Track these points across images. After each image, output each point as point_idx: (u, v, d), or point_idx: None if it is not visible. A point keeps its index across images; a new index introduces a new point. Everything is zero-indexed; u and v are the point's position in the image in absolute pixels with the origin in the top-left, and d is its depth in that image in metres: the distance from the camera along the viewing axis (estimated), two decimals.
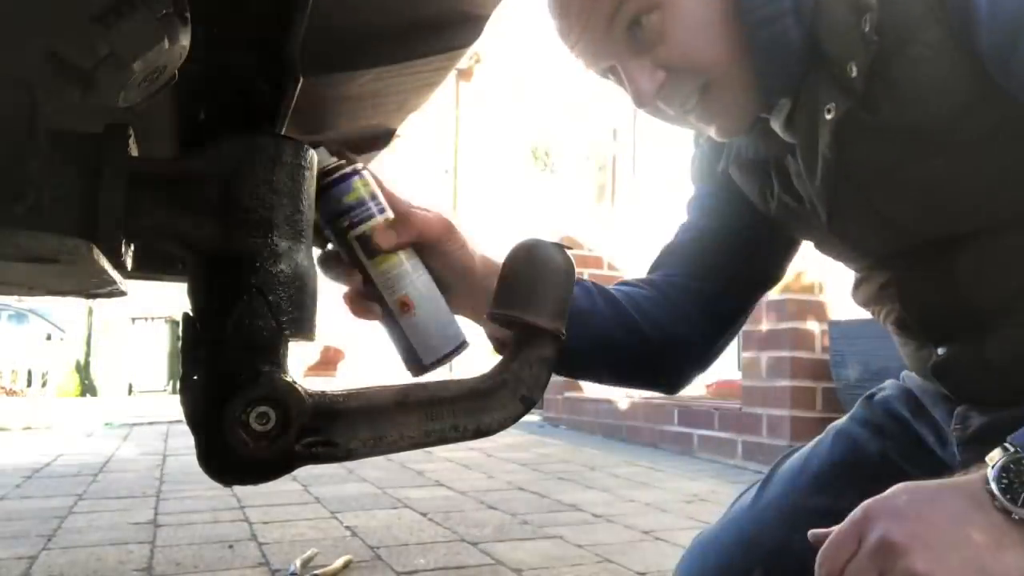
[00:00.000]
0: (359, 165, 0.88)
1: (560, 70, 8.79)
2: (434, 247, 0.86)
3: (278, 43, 0.80)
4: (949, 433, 0.86)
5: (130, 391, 11.50)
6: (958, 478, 0.61)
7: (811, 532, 0.64)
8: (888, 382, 1.00)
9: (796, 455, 0.99)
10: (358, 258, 0.86)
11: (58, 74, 0.65)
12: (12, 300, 11.98)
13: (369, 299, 0.84)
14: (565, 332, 0.87)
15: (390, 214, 0.86)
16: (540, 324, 0.84)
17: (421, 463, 3.55)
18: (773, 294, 3.68)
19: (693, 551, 0.96)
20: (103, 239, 0.70)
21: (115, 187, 0.71)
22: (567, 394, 5.58)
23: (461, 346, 0.91)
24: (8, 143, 0.68)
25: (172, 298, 10.51)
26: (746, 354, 3.89)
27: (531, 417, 5.58)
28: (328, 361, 12.97)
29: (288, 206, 0.78)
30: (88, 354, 11.60)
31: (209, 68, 0.83)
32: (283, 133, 0.91)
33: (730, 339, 1.01)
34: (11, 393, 11.07)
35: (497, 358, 0.89)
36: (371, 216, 0.86)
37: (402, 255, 0.86)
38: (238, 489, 2.66)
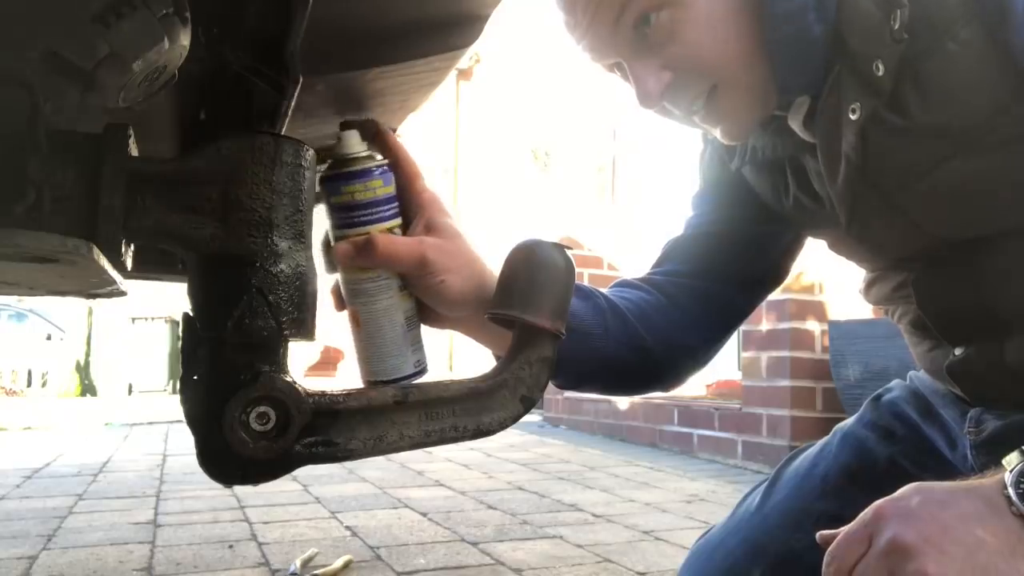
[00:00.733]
0: (382, 162, 0.85)
1: (560, 70, 8.79)
2: (407, 278, 0.81)
3: (278, 43, 0.80)
4: (961, 435, 0.85)
5: (130, 391, 11.50)
6: (973, 481, 0.60)
7: (820, 533, 0.63)
8: (894, 382, 0.99)
9: (802, 458, 0.98)
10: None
11: (58, 74, 0.65)
12: (12, 300, 11.98)
13: None
14: (565, 332, 0.87)
15: (381, 227, 0.82)
16: (540, 324, 0.84)
17: (421, 463, 3.55)
18: (773, 294, 3.67)
19: (698, 554, 0.95)
20: (103, 239, 0.70)
21: (115, 187, 0.71)
22: (567, 394, 5.58)
23: (399, 379, 0.86)
24: (8, 143, 0.68)
25: (172, 298, 10.51)
26: (746, 354, 3.89)
27: (531, 417, 5.58)
28: (328, 361, 12.97)
29: (288, 206, 0.78)
30: (88, 354, 11.60)
31: (209, 68, 0.83)
32: (283, 133, 0.91)
33: (729, 337, 1.01)
34: (11, 393, 11.07)
35: (497, 358, 0.89)
36: (357, 224, 0.83)
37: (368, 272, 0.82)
38: (238, 489, 2.66)
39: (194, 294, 0.78)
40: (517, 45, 9.88)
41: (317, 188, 0.80)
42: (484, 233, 9.66)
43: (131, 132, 0.74)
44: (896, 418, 0.94)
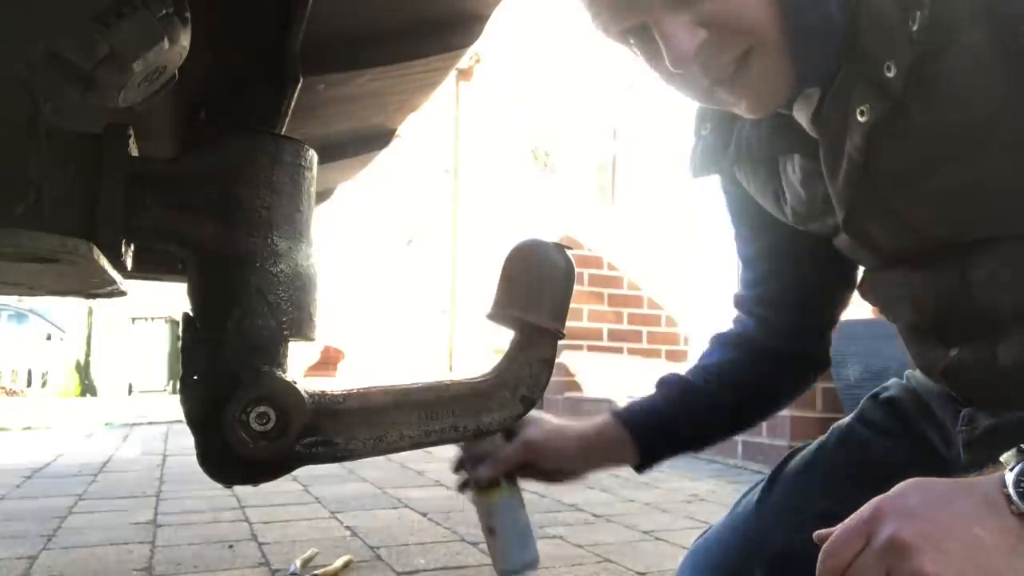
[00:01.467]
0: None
1: (560, 70, 8.79)
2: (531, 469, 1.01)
3: (278, 43, 0.80)
4: (955, 434, 0.85)
5: (130, 391, 11.49)
6: (972, 479, 0.60)
7: (816, 533, 0.62)
8: (892, 381, 0.99)
9: (800, 456, 0.98)
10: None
11: (58, 74, 0.65)
12: (12, 300, 11.97)
13: None
14: (564, 333, 0.87)
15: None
16: (541, 324, 0.84)
17: (421, 463, 3.55)
18: None
19: (697, 552, 0.95)
20: (103, 239, 0.70)
21: (115, 187, 0.71)
22: (567, 394, 5.58)
23: (530, 565, 1.09)
24: (8, 143, 0.68)
25: (172, 298, 10.50)
26: None
27: None
28: (328, 361, 12.98)
29: (288, 206, 0.78)
30: (88, 354, 11.60)
31: (209, 68, 0.83)
32: (283, 133, 0.91)
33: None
34: (11, 393, 11.08)
35: (497, 358, 0.89)
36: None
37: (495, 494, 1.06)
38: (238, 489, 2.66)
39: (194, 294, 0.78)
40: (517, 45, 9.87)
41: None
42: (484, 233, 9.64)
43: (131, 132, 0.74)
44: (893, 416, 0.94)
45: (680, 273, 5.92)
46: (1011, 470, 0.57)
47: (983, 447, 0.81)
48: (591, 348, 5.65)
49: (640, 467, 1.04)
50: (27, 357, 11.80)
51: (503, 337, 0.87)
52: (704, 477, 3.40)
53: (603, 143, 8.09)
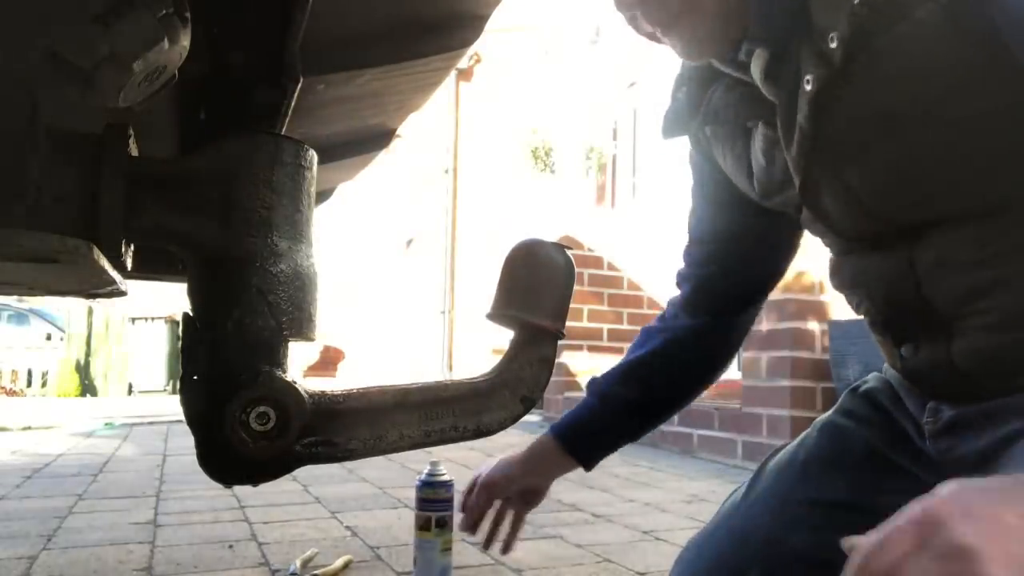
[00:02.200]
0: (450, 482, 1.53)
1: (560, 70, 8.79)
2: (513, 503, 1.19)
3: (278, 43, 0.80)
4: (923, 425, 0.87)
5: (130, 391, 11.49)
6: (1021, 475, 0.57)
7: (844, 540, 0.60)
8: (871, 375, 1.01)
9: (784, 451, 1.00)
10: None
11: (58, 74, 0.65)
12: (12, 300, 11.97)
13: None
14: (564, 333, 0.88)
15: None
16: (542, 324, 0.85)
17: (421, 463, 3.55)
18: (773, 294, 3.67)
19: (688, 551, 0.96)
20: (103, 239, 0.70)
21: (115, 187, 0.71)
22: (567, 394, 5.58)
23: None
24: (8, 143, 0.68)
25: (172, 298, 10.51)
26: (746, 354, 3.89)
27: (531, 417, 5.58)
28: (328, 361, 12.98)
29: (288, 206, 0.78)
30: (88, 354, 11.60)
31: (209, 68, 0.83)
32: (283, 133, 0.91)
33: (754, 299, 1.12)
34: (11, 393, 11.07)
35: (497, 358, 0.89)
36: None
37: (425, 535, 1.54)
38: (238, 489, 2.66)
39: (194, 294, 0.78)
40: (517, 45, 9.87)
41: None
42: (484, 233, 9.62)
43: (131, 132, 0.74)
44: (871, 406, 0.96)
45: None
46: None
47: (946, 438, 0.82)
48: (591, 348, 5.65)
49: (586, 468, 1.17)
50: (27, 357, 11.79)
51: (503, 337, 0.87)
52: (704, 477, 3.40)
53: (603, 143, 8.09)
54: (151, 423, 5.99)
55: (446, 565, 1.63)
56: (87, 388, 11.37)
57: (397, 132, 1.76)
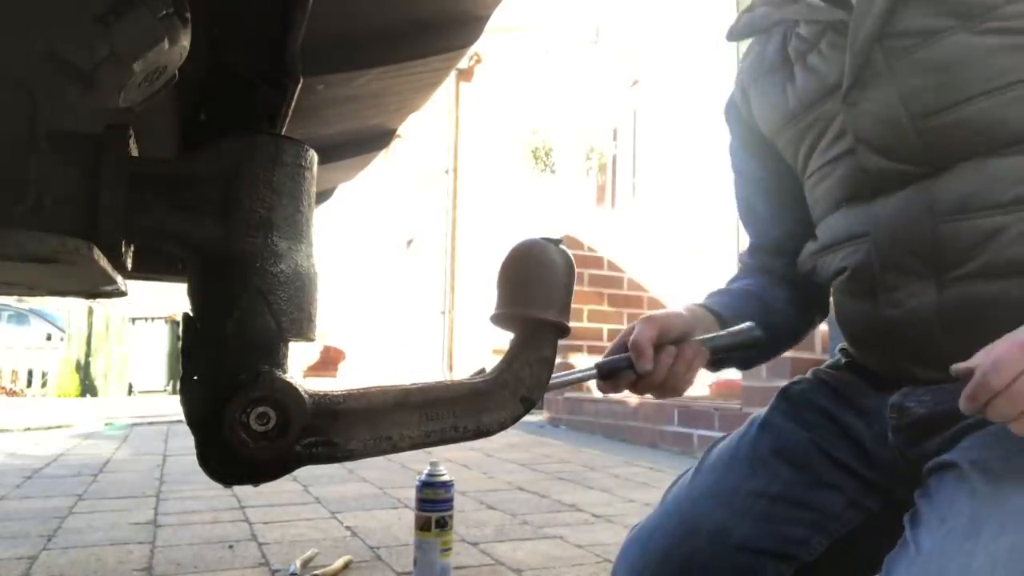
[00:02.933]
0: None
1: (560, 70, 8.79)
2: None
3: (278, 43, 0.80)
4: (878, 419, 0.90)
5: (130, 391, 11.49)
6: None
7: (954, 366, 0.68)
8: (798, 377, 1.04)
9: (722, 445, 1.03)
10: None
11: (58, 74, 0.65)
12: (12, 300, 11.97)
13: None
14: (568, 327, 0.88)
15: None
16: (544, 318, 0.85)
17: (421, 463, 3.54)
18: None
19: (634, 542, 0.97)
20: (103, 239, 0.70)
21: (115, 187, 0.71)
22: (567, 394, 5.58)
23: None
24: (8, 143, 0.68)
25: (172, 298, 10.50)
26: None
27: (531, 417, 5.58)
28: (328, 361, 12.98)
29: (288, 206, 0.78)
30: (88, 354, 11.59)
31: (209, 68, 0.83)
32: (283, 133, 0.91)
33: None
34: (11, 393, 11.07)
35: (497, 358, 0.89)
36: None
37: (425, 535, 1.62)
38: (238, 489, 2.66)
39: (194, 294, 0.78)
40: (517, 45, 9.87)
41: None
42: (484, 233, 9.61)
43: (131, 132, 0.74)
44: (807, 407, 0.98)
45: (680, 272, 5.92)
46: None
47: (913, 432, 0.86)
48: (591, 348, 5.65)
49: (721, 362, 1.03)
50: (27, 357, 11.79)
51: (503, 337, 0.87)
52: None
53: (603, 143, 8.09)
54: (151, 423, 5.99)
55: (446, 565, 1.63)
56: (87, 388, 11.37)
57: (397, 132, 1.76)
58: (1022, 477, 0.68)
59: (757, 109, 1.03)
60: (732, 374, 5.16)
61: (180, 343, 0.77)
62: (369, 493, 2.92)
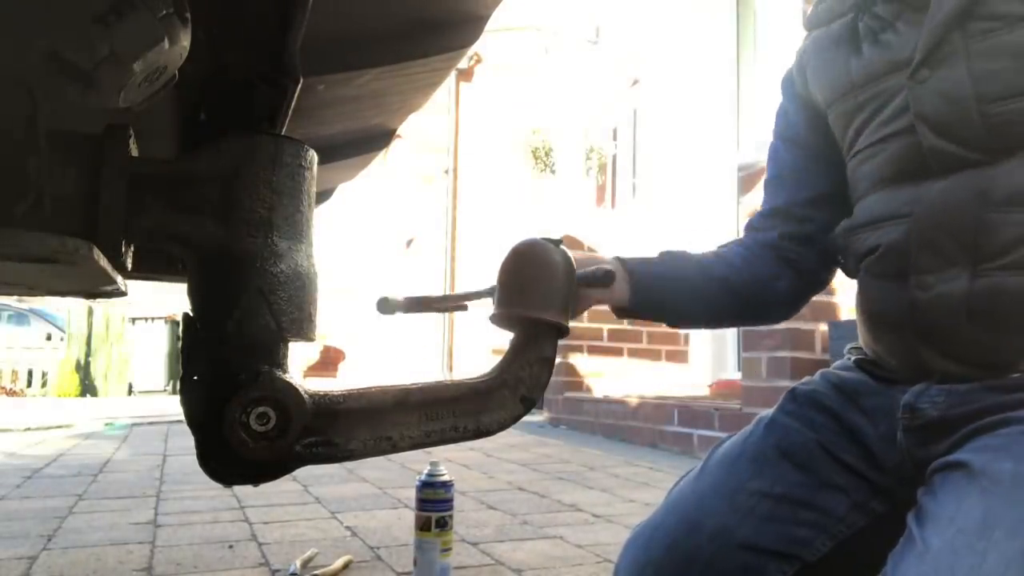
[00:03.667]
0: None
1: (559, 71, 8.79)
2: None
3: (278, 43, 0.80)
4: (890, 420, 0.89)
5: (130, 391, 11.48)
6: None
7: None
8: (807, 378, 1.03)
9: (728, 444, 1.02)
10: None
11: (58, 74, 0.65)
12: (12, 300, 11.96)
13: None
14: (567, 328, 0.88)
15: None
16: (547, 319, 0.85)
17: (421, 463, 3.55)
18: None
19: (637, 539, 0.97)
20: (103, 239, 0.70)
21: (115, 187, 0.71)
22: (567, 394, 5.58)
23: None
24: (8, 143, 0.68)
25: (172, 298, 10.50)
26: (746, 354, 3.89)
27: (531, 417, 5.58)
28: (328, 361, 12.97)
29: (288, 206, 0.78)
30: (88, 354, 11.59)
31: (209, 68, 0.83)
32: (283, 133, 0.91)
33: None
34: (11, 393, 11.07)
35: (497, 358, 0.89)
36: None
37: (425, 535, 1.64)
38: (238, 489, 2.66)
39: (194, 294, 0.78)
40: (517, 45, 9.87)
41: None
42: (484, 234, 9.59)
43: (131, 132, 0.74)
44: (815, 407, 0.98)
45: None
46: None
47: (924, 434, 0.85)
48: (591, 348, 5.65)
49: (624, 310, 1.06)
50: (27, 357, 11.79)
51: (503, 337, 0.87)
52: None
53: (603, 143, 8.09)
54: (151, 423, 5.99)
55: (446, 565, 1.63)
56: (87, 388, 11.37)
57: (397, 132, 1.76)
58: None
59: (815, 79, 1.02)
60: (732, 373, 5.16)
61: (180, 343, 0.77)
62: (369, 493, 2.92)
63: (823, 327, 3.63)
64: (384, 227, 12.41)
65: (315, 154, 0.82)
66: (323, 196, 2.07)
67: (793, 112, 1.08)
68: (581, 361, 5.62)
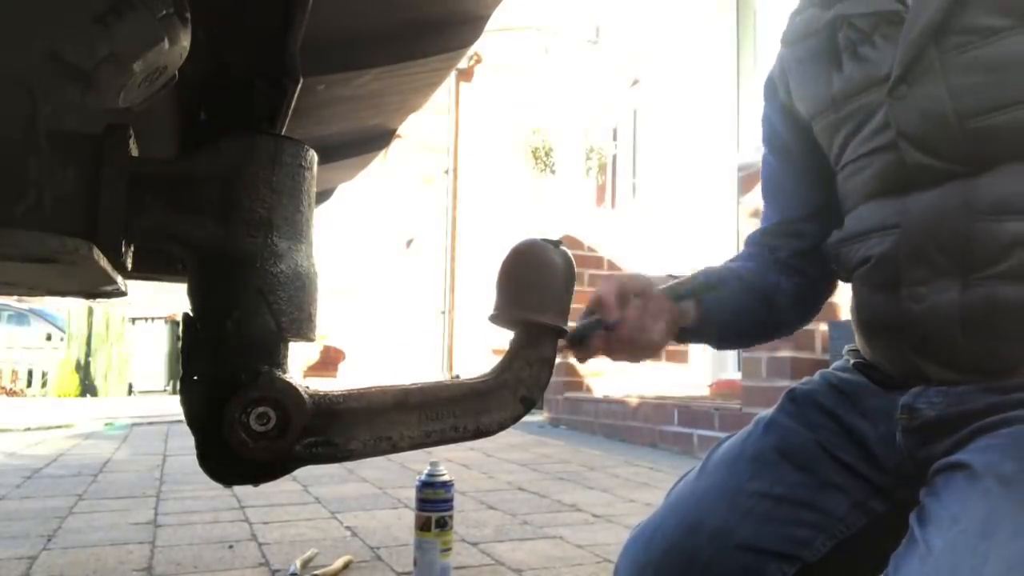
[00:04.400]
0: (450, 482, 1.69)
1: (559, 71, 8.79)
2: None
3: (278, 43, 0.80)
4: (888, 421, 0.89)
5: (130, 391, 11.48)
6: None
7: None
8: (806, 379, 1.04)
9: (727, 444, 1.02)
10: None
11: (58, 74, 0.65)
12: (12, 300, 11.96)
13: None
14: (566, 329, 0.88)
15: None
16: (544, 321, 0.85)
17: (421, 463, 3.55)
18: None
19: (637, 539, 0.97)
20: (103, 239, 0.70)
21: (115, 187, 0.71)
22: (567, 394, 5.58)
23: None
24: (8, 143, 0.68)
25: (172, 298, 10.50)
26: (746, 354, 3.89)
27: (531, 417, 5.58)
28: (328, 361, 12.97)
29: (288, 206, 0.78)
30: (88, 354, 11.58)
31: (209, 68, 0.83)
32: (283, 133, 0.91)
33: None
34: (11, 393, 11.06)
35: (497, 358, 0.89)
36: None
37: (425, 535, 1.64)
38: (238, 489, 2.66)
39: (194, 294, 0.78)
40: (517, 45, 9.87)
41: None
42: (483, 234, 9.60)
43: (131, 132, 0.74)
44: (814, 408, 0.98)
45: (680, 273, 5.91)
46: None
47: (923, 434, 0.85)
48: None
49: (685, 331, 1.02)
50: (27, 357, 11.78)
51: (503, 337, 0.87)
52: None
53: (603, 143, 8.09)
54: (151, 423, 5.99)
55: (446, 565, 1.63)
56: (87, 388, 11.36)
57: (397, 132, 1.76)
58: None
59: (798, 92, 1.02)
60: (732, 374, 5.16)
61: (180, 343, 0.77)
62: (369, 493, 2.92)
63: (823, 327, 3.63)
64: (384, 227, 12.41)
65: (315, 154, 0.82)
66: (323, 196, 2.07)
67: (779, 122, 1.08)
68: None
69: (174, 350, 11.35)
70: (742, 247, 1.14)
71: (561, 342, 0.90)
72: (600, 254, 5.95)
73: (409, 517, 2.48)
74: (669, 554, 0.93)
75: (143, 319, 11.80)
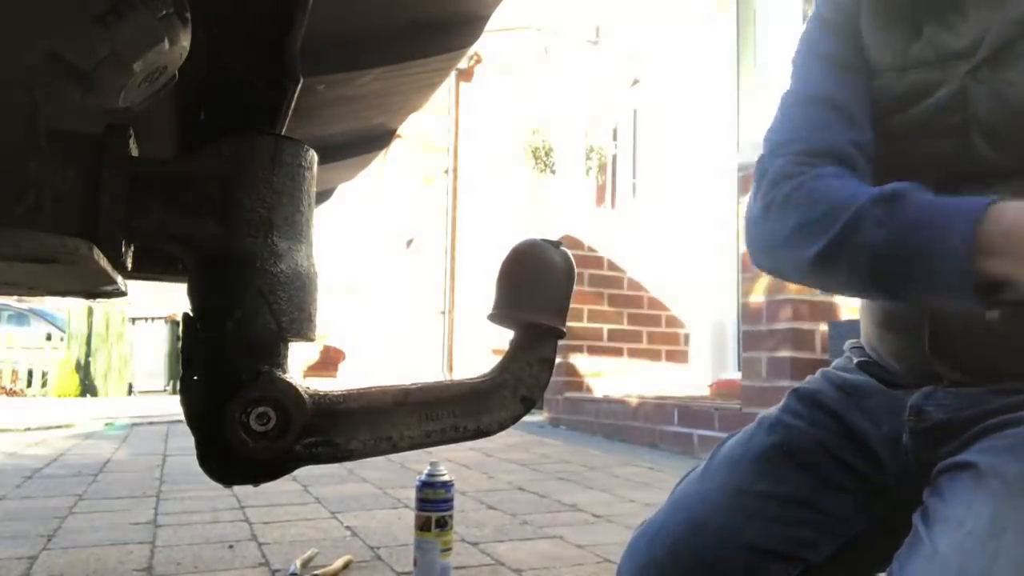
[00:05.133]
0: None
1: (559, 71, 8.79)
2: None
3: (278, 43, 0.80)
4: (894, 422, 0.88)
5: (130, 391, 11.48)
6: None
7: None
8: (809, 378, 1.03)
9: (731, 443, 1.01)
10: None
11: (59, 74, 0.66)
12: (12, 300, 11.96)
13: None
14: (564, 331, 0.88)
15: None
16: (542, 322, 0.85)
17: (421, 463, 3.54)
18: (773, 294, 3.68)
19: (641, 538, 0.97)
20: (103, 239, 0.70)
21: (115, 187, 0.71)
22: (567, 394, 5.58)
23: None
24: (8, 143, 0.68)
25: (172, 298, 10.49)
26: (746, 354, 3.89)
27: (531, 417, 5.58)
28: (328, 361, 12.98)
29: (288, 206, 0.78)
30: (88, 354, 11.58)
31: (209, 68, 0.83)
32: (283, 133, 0.91)
33: None
34: (11, 393, 11.06)
35: (496, 358, 0.89)
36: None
37: (425, 535, 1.64)
38: (238, 489, 2.66)
39: (194, 294, 0.78)
40: (517, 45, 9.86)
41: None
42: (483, 234, 9.59)
43: (131, 132, 0.74)
44: (817, 408, 0.97)
45: (681, 272, 5.92)
46: None
47: (931, 436, 0.84)
48: (591, 348, 5.65)
49: None
50: (27, 357, 11.78)
51: (503, 337, 0.87)
52: None
53: (603, 143, 8.09)
54: (151, 423, 5.99)
55: (446, 565, 1.63)
56: (87, 388, 11.37)
57: (397, 132, 1.76)
58: None
59: (869, 35, 0.92)
60: (732, 374, 5.16)
61: (180, 343, 0.77)
62: (369, 493, 2.92)
63: (823, 327, 3.63)
64: (384, 227, 12.41)
65: (315, 154, 0.82)
66: (323, 196, 2.07)
67: (847, 44, 0.94)
68: (581, 361, 5.62)
69: (174, 350, 11.35)
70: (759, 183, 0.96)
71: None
72: (600, 254, 5.95)
73: (409, 517, 2.48)
74: (673, 554, 0.92)
75: (143, 319, 11.80)
